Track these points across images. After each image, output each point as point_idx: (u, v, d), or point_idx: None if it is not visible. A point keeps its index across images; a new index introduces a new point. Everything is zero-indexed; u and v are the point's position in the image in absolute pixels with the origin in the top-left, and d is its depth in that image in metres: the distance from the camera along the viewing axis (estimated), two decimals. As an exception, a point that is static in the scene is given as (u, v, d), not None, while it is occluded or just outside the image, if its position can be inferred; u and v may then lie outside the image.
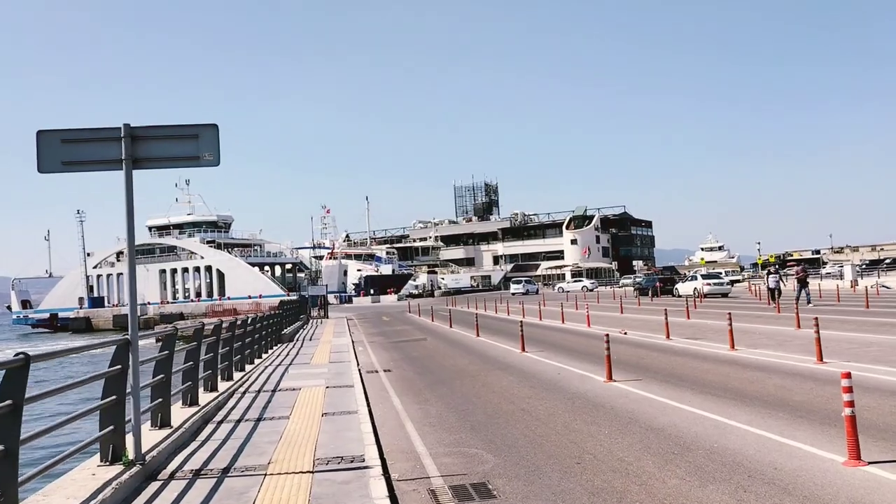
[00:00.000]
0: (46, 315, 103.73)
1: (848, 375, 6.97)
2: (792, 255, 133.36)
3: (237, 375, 15.57)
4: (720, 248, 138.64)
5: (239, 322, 17.09)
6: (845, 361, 13.43)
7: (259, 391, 13.61)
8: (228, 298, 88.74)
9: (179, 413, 10.44)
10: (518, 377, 14.58)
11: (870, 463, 6.79)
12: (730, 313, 17.27)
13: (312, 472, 7.35)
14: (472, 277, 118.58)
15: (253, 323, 18.91)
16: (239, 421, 10.52)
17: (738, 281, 73.63)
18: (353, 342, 26.64)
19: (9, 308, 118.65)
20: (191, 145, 7.79)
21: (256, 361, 19.07)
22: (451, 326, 31.35)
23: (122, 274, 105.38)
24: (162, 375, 9.27)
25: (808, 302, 30.81)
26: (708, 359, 15.34)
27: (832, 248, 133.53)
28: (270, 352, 22.58)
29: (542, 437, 8.96)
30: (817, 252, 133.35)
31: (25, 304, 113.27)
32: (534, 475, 7.30)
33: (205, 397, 12.03)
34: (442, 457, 8.33)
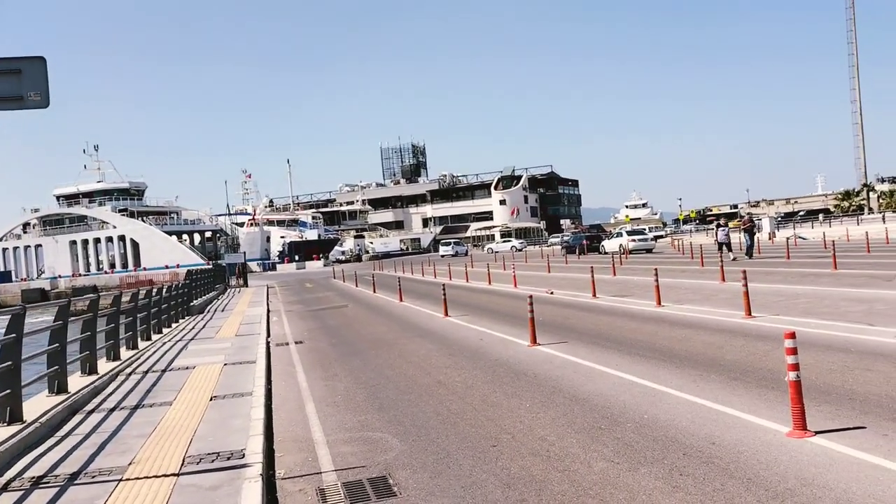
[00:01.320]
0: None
1: (793, 335, 6.17)
2: (711, 210, 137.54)
3: (127, 354, 14.04)
4: (644, 206, 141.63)
5: (129, 295, 15.48)
6: (774, 314, 12.97)
7: (147, 371, 12.18)
8: (144, 269, 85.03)
9: (40, 403, 9.00)
10: (438, 344, 13.59)
11: (817, 433, 6.04)
12: (656, 269, 16.73)
13: (178, 475, 6.13)
14: (401, 241, 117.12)
15: (148, 295, 17.26)
16: (113, 409, 9.15)
17: (661, 237, 74.85)
18: (268, 312, 25.19)
19: None
20: (11, 83, 6.29)
21: (155, 337, 17.49)
22: (374, 292, 30.18)
23: (29, 246, 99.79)
24: (10, 362, 7.84)
25: (749, 254, 30.50)
26: (635, 317, 14.70)
27: (749, 203, 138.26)
28: (175, 326, 20.95)
29: (456, 415, 7.96)
30: (735, 206, 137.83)
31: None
32: (443, 464, 6.29)
33: (78, 382, 10.56)
34: (341, 444, 7.23)
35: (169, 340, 16.93)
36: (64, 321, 9.75)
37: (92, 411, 9.16)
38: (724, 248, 30.37)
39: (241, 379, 10.84)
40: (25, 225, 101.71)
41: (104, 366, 12.35)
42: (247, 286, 47.45)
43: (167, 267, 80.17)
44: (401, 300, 24.38)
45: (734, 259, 28.92)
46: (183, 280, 26.70)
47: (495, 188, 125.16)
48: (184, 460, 6.57)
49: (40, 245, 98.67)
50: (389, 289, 29.15)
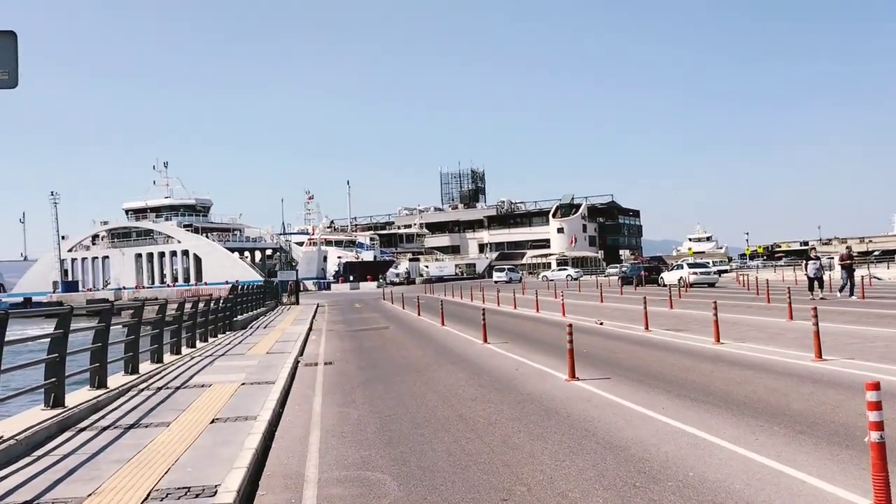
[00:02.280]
0: (20, 299, 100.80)
1: (876, 387, 4.99)
2: (780, 247, 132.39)
3: (148, 367, 13.49)
4: (708, 239, 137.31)
5: (157, 307, 15.01)
6: (848, 358, 11.51)
7: (162, 387, 11.55)
8: (205, 284, 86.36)
9: (29, 418, 8.38)
10: (469, 373, 12.58)
11: (906, 511, 4.82)
12: (715, 302, 15.35)
13: (133, 513, 5.32)
14: (456, 265, 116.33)
15: (179, 309, 16.77)
16: (105, 429, 8.47)
17: (725, 271, 71.95)
18: (309, 330, 24.61)
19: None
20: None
21: (187, 351, 16.98)
22: (419, 314, 29.33)
23: (97, 258, 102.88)
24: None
25: (851, 293, 26.41)
26: (689, 354, 13.39)
27: (820, 240, 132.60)
28: (213, 340, 20.48)
29: (470, 458, 6.95)
30: (805, 244, 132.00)
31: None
32: (440, 518, 5.29)
33: (80, 396, 9.97)
34: (332, 485, 6.31)
35: (199, 355, 16.37)
36: (65, 332, 9.17)
37: (83, 429, 8.49)
38: (816, 283, 27.06)
39: (252, 401, 10.07)
40: (95, 237, 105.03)
41: (117, 380, 11.79)
42: (298, 304, 47.30)
43: (227, 282, 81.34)
44: (443, 324, 23.44)
45: (822, 298, 25.70)
46: (227, 295, 26.35)
47: (553, 216, 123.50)
48: (149, 494, 5.77)
49: (107, 257, 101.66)
50: (434, 312, 28.22)
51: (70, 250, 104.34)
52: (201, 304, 19.85)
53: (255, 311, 32.84)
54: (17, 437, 7.36)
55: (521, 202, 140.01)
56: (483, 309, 18.61)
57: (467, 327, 21.97)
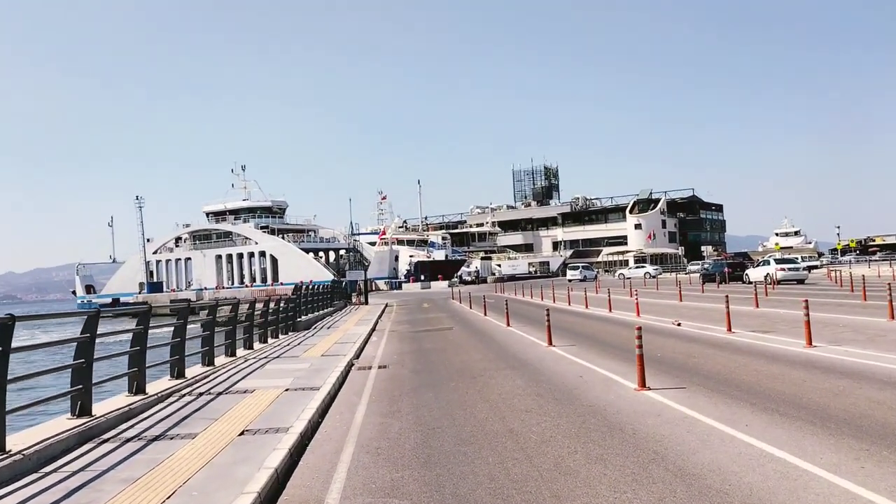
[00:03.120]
0: (109, 300, 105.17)
1: None
2: (874, 241, 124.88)
3: (196, 371, 13.07)
4: (796, 234, 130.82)
5: (206, 308, 14.62)
6: (968, 367, 9.94)
7: (204, 392, 11.03)
8: (281, 284, 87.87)
9: (51, 428, 7.91)
10: (529, 380, 11.58)
11: None
12: (806, 300, 13.82)
13: (110, 551, 4.61)
14: (529, 263, 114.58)
15: (234, 310, 16.37)
16: (128, 440, 7.91)
17: (815, 267, 68.01)
18: (371, 331, 24.06)
19: (73, 293, 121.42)
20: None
21: (243, 353, 16.58)
22: (485, 314, 28.39)
23: (179, 259, 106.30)
24: None
25: None
26: (777, 359, 11.98)
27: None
28: (272, 341, 20.12)
29: (515, 485, 5.99)
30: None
31: (89, 289, 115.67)
32: (467, 566, 4.36)
33: (114, 403, 9.51)
34: (351, 515, 5.47)
35: (254, 358, 15.92)
36: (92, 336, 8.69)
37: (105, 440, 7.95)
38: None
39: (290, 409, 9.39)
40: (177, 239, 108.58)
41: (159, 385, 11.35)
42: (367, 303, 47.12)
43: (301, 282, 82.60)
44: (507, 325, 22.42)
45: None
46: (290, 296, 26.09)
47: (630, 212, 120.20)
48: (139, 525, 5.06)
49: (189, 258, 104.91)
50: (501, 312, 27.22)
51: (155, 252, 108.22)
52: (259, 305, 19.49)
53: (321, 312, 32.61)
54: (24, 452, 6.84)
55: (595, 198, 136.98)
56: (548, 309, 17.52)
57: (533, 328, 20.89)
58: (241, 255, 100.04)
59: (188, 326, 12.87)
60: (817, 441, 6.73)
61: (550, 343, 16.17)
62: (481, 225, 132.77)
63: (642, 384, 9.93)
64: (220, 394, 10.94)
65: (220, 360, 15.14)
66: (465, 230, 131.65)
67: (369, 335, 22.43)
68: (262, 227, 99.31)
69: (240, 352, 16.77)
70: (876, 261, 79.05)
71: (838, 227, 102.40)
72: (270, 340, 20.26)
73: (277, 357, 16.08)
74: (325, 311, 34.01)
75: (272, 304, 21.32)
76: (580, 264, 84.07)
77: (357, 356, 16.62)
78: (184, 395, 10.84)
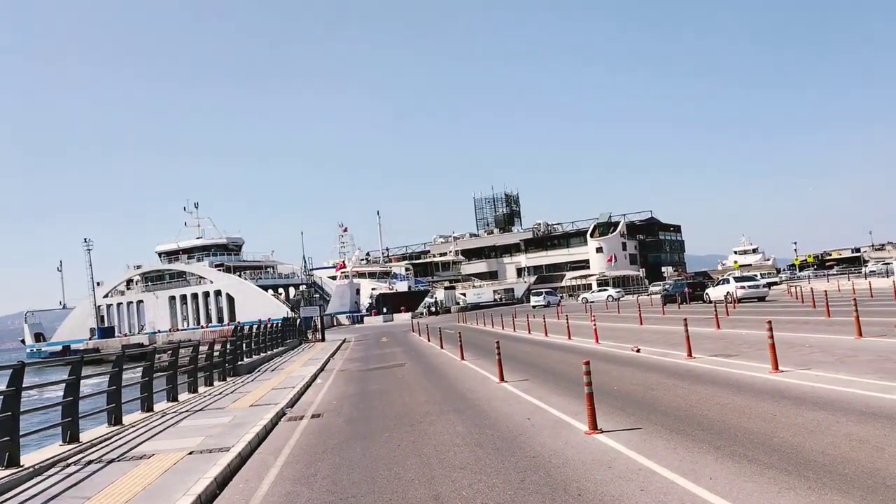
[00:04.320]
0: (59, 347, 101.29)
1: None
2: (830, 255, 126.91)
3: (98, 432, 11.53)
4: (754, 251, 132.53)
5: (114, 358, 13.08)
6: (952, 390, 8.94)
7: (94, 461, 9.51)
8: (238, 323, 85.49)
9: None
10: (471, 425, 10.30)
11: None
12: (769, 321, 12.83)
13: None
14: (494, 291, 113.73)
15: (150, 357, 14.80)
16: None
17: (775, 283, 68.19)
18: (319, 372, 22.58)
19: (22, 342, 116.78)
20: None
21: (162, 407, 15.02)
22: (441, 348, 27.09)
23: (131, 302, 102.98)
24: None
25: None
26: (742, 388, 10.89)
27: (873, 246, 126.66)
28: (205, 390, 18.54)
29: (422, 581, 4.69)
30: (857, 250, 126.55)
31: (39, 336, 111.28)
32: None
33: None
34: None
35: (173, 412, 14.37)
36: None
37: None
38: None
39: (184, 480, 7.97)
40: (129, 281, 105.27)
41: (44, 452, 9.81)
42: (323, 340, 45.42)
43: (259, 321, 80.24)
44: (462, 358, 21.14)
45: None
46: (229, 337, 24.47)
47: (591, 236, 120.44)
48: None
49: (142, 301, 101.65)
50: (457, 344, 25.93)
51: (105, 296, 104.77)
52: (185, 351, 17.94)
53: (270, 352, 30.96)
54: None
55: (557, 223, 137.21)
56: (497, 341, 16.28)
57: (487, 361, 19.63)
58: (195, 296, 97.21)
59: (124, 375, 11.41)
60: (796, 499, 5.56)
61: (502, 378, 14.93)
62: (444, 254, 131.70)
63: (593, 426, 8.73)
64: (111, 461, 9.45)
65: (133, 416, 13.59)
66: (428, 260, 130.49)
67: (314, 377, 20.95)
68: (217, 266, 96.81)
69: (162, 405, 15.21)
70: (834, 275, 79.84)
71: (795, 243, 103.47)
72: (203, 389, 18.69)
73: (201, 410, 14.55)
74: (275, 351, 32.33)
75: (203, 348, 19.74)
76: (544, 290, 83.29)
77: (292, 404, 15.17)
78: (69, 465, 9.32)
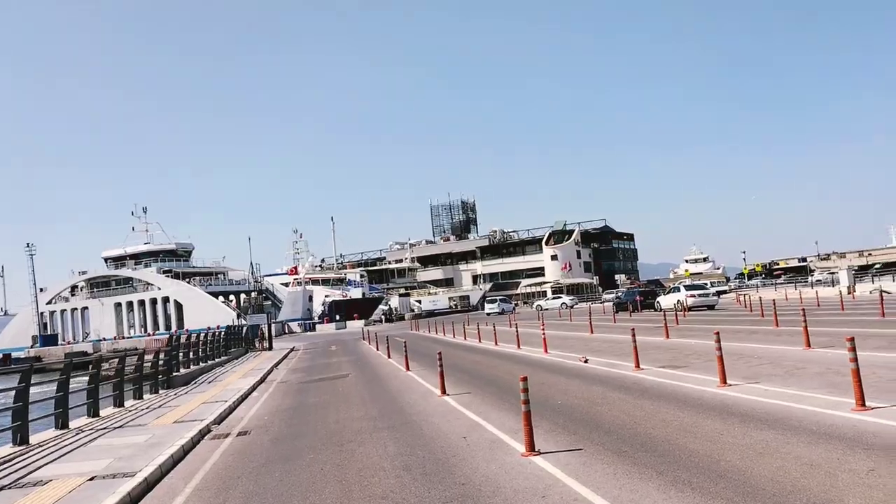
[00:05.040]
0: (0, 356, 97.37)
1: None
2: (778, 264, 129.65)
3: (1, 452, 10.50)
4: (705, 260, 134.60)
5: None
6: (903, 406, 8.56)
7: (-20, 490, 8.54)
8: (186, 331, 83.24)
9: None
10: (404, 445, 9.60)
11: None
12: (717, 333, 12.42)
13: None
14: (450, 298, 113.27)
15: (65, 372, 13.71)
16: None
17: (724, 292, 69.10)
18: (258, 383, 21.61)
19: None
20: None
21: (79, 423, 13.97)
22: (389, 357, 26.31)
23: (76, 309, 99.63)
24: None
25: None
26: (689, 403, 10.42)
27: (819, 256, 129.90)
28: (132, 404, 17.47)
29: None
30: (804, 260, 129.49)
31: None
32: None
33: None
34: None
35: (90, 429, 13.34)
36: None
37: None
38: None
39: (72, 513, 7.09)
40: (73, 287, 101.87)
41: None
42: (270, 349, 44.17)
43: (208, 328, 78.19)
44: (407, 369, 20.43)
45: None
46: (164, 347, 23.30)
47: (546, 243, 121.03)
48: None
49: (87, 307, 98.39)
50: (411, 353, 25.22)
51: (49, 303, 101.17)
52: (104, 366, 16.83)
53: (211, 362, 29.78)
54: None
55: (513, 231, 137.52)
56: (440, 353, 15.58)
57: (432, 373, 18.90)
58: (142, 302, 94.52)
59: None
60: (742, 535, 5.00)
61: (444, 392, 14.27)
62: (400, 261, 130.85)
63: (531, 448, 8.12)
64: (1, 489, 8.49)
65: (45, 434, 12.55)
66: (383, 267, 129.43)
67: (252, 389, 19.99)
68: (165, 272, 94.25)
69: (80, 421, 14.17)
70: (781, 284, 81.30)
71: (744, 252, 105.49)
72: (130, 403, 17.62)
73: (120, 427, 13.54)
74: (216, 361, 31.13)
75: (132, 359, 18.66)
76: (498, 297, 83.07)
77: (221, 420, 14.26)
78: (-50, 495, 8.34)
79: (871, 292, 43.32)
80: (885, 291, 44.07)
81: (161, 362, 21.63)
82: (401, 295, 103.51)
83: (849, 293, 46.41)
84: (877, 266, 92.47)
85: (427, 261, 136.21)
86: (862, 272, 74.24)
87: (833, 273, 72.64)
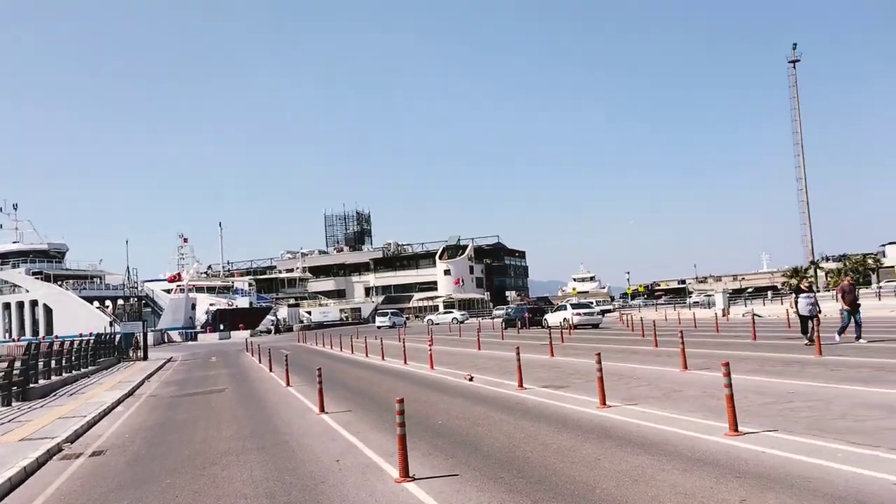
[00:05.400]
0: None
1: None
2: (659, 286, 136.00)
3: None
4: (592, 279, 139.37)
5: None
6: (772, 431, 8.72)
7: None
8: (56, 337, 77.76)
9: None
10: (272, 469, 8.95)
11: None
12: (599, 353, 12.45)
13: None
14: (341, 310, 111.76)
15: None
16: None
17: (609, 311, 71.50)
18: (126, 396, 20.15)
19: None
20: None
21: None
22: (270, 371, 25.26)
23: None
24: None
25: (859, 336, 19.57)
26: (569, 425, 10.31)
27: (697, 279, 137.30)
28: (-26, 418, 15.76)
29: None
30: (683, 282, 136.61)
31: None
32: None
33: None
34: None
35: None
36: None
37: None
38: (811, 323, 19.41)
39: None
40: None
41: None
42: (145, 359, 41.70)
43: (81, 335, 73.30)
44: (287, 384, 19.57)
45: (808, 344, 19.06)
46: (20, 355, 21.35)
47: (440, 258, 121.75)
48: None
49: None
50: (293, 367, 24.29)
51: None
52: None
53: (76, 373, 27.65)
54: None
55: (407, 244, 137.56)
56: (319, 369, 14.88)
57: (314, 388, 18.20)
58: (8, 305, 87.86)
59: None
60: (614, 573, 4.76)
61: (322, 410, 13.63)
62: (291, 270, 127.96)
63: (405, 474, 7.69)
64: None
65: None
66: (273, 276, 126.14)
67: (117, 403, 18.58)
68: (34, 273, 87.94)
69: None
70: (661, 304, 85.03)
71: (628, 273, 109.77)
72: (-28, 417, 15.89)
73: (-47, 445, 12.09)
74: (83, 371, 28.96)
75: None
76: (390, 311, 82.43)
77: (75, 437, 13.03)
78: None
79: (743, 315, 45.74)
80: (756, 315, 46.71)
81: (17, 371, 19.79)
82: (290, 305, 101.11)
83: (723, 315, 48.89)
84: (749, 290, 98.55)
85: (319, 271, 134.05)
86: (736, 295, 78.76)
87: (710, 296, 76.70)
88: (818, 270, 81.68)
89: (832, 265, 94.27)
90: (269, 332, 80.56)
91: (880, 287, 58.45)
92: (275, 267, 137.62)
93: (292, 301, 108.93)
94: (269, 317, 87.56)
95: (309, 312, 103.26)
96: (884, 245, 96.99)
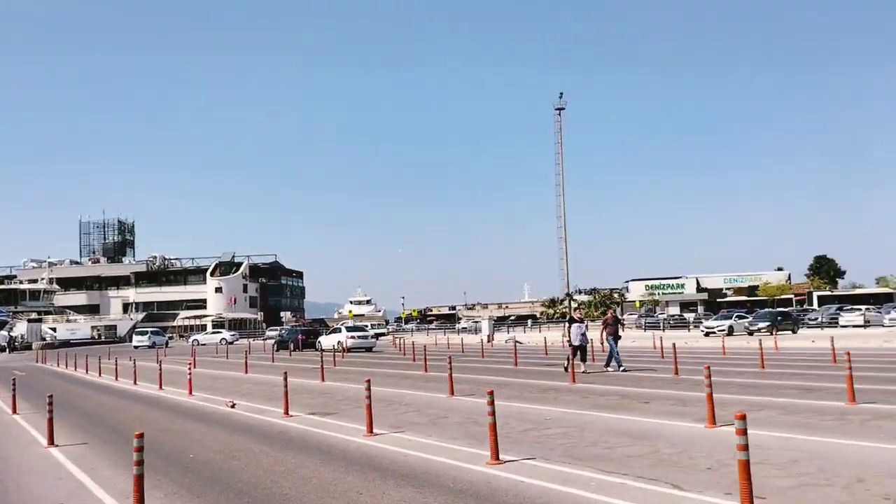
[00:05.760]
0: None
1: None
2: (431, 311, 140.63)
3: None
4: (368, 302, 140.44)
5: None
6: (531, 459, 8.90)
7: None
8: None
9: None
10: (-30, 519, 7.41)
11: None
12: (369, 380, 12.11)
13: None
14: (93, 327, 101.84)
15: None
16: None
17: (383, 334, 72.28)
18: None
19: None
20: None
21: None
22: (-6, 396, 21.84)
23: None
24: None
25: (620, 365, 20.60)
26: (334, 456, 9.80)
27: (466, 305, 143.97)
28: None
29: None
30: (453, 308, 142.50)
31: None
32: None
33: None
34: None
35: None
36: None
37: None
38: (579, 353, 20.70)
39: None
40: None
41: None
42: None
43: None
44: (13, 411, 16.96)
45: (585, 372, 20.09)
46: None
47: (212, 274, 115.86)
48: None
49: None
50: (25, 391, 21.12)
51: None
52: None
53: None
54: None
55: (176, 258, 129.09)
56: (50, 395, 12.94)
57: (44, 416, 15.91)
58: None
59: None
60: None
61: (52, 442, 11.84)
62: (35, 281, 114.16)
63: (141, 520, 6.69)
64: None
65: None
66: (13, 286, 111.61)
67: None
68: None
69: None
70: (433, 329, 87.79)
71: (403, 298, 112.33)
72: None
73: None
74: None
75: None
76: (150, 329, 76.36)
77: None
78: None
79: (506, 341, 48.36)
80: (518, 342, 49.60)
81: None
82: (30, 320, 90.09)
83: (488, 342, 51.38)
84: (512, 317, 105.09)
85: (70, 283, 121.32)
86: (500, 322, 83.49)
87: (477, 322, 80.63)
88: (572, 301, 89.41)
89: (584, 297, 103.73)
90: (5, 349, 70.88)
91: (624, 319, 65.13)
92: (15, 276, 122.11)
93: (34, 315, 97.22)
94: (4, 332, 77.12)
95: (54, 329, 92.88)
96: (627, 281, 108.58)
